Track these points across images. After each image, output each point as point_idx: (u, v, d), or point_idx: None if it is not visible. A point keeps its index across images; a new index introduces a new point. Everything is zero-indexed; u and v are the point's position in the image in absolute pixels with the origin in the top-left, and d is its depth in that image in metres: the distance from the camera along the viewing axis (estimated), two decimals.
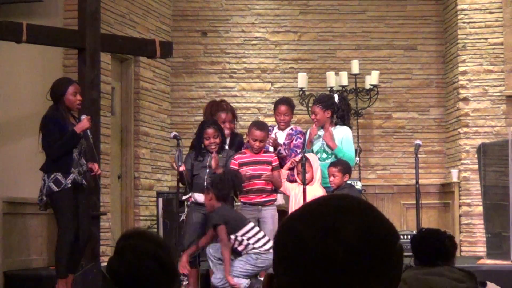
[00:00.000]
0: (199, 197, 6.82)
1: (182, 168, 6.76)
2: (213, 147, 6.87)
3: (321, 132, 7.23)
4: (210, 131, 6.88)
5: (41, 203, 6.46)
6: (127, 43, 7.98)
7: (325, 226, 1.22)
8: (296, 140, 7.32)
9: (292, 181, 7.08)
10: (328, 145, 7.10)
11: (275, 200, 6.96)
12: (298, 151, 7.25)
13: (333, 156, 7.11)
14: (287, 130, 7.40)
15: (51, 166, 6.39)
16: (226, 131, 7.21)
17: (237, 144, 7.39)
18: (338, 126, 7.22)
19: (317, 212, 1.26)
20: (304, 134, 7.44)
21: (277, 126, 7.48)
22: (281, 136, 7.35)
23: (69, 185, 6.35)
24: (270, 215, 6.86)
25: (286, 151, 7.23)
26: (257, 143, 6.92)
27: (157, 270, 2.59)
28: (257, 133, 6.93)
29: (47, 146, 6.39)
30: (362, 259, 1.20)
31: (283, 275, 1.24)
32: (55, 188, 6.33)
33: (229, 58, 11.06)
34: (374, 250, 1.21)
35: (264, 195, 6.89)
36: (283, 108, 7.37)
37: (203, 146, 6.94)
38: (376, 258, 1.21)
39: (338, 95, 7.64)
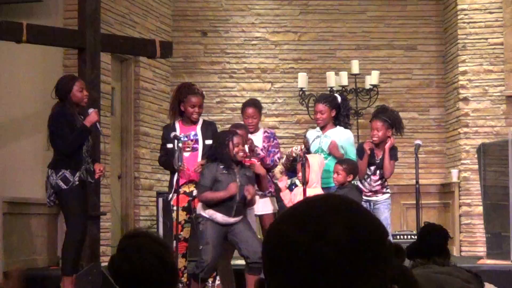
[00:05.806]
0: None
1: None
2: (241, 154, 6.24)
3: (320, 133, 7.14)
4: (236, 139, 6.24)
5: (52, 201, 6.42)
6: (127, 43, 7.98)
7: (314, 229, 1.21)
8: (273, 142, 7.11)
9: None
10: (333, 155, 6.97)
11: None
12: (276, 150, 7.08)
13: (332, 156, 7.02)
14: (261, 133, 7.12)
15: (59, 163, 6.37)
16: (195, 116, 6.69)
17: (212, 133, 6.76)
18: (341, 128, 7.10)
19: (304, 214, 1.24)
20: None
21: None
22: (255, 139, 7.00)
23: (77, 183, 6.34)
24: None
25: (263, 152, 7.02)
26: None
27: (160, 269, 2.60)
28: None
29: (61, 143, 6.36)
30: (352, 259, 1.19)
31: (274, 280, 1.23)
32: (63, 186, 6.30)
33: (229, 58, 11.06)
34: (364, 248, 1.20)
35: None
36: (250, 110, 7.02)
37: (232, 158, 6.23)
38: (366, 256, 1.20)
39: (340, 96, 7.53)
